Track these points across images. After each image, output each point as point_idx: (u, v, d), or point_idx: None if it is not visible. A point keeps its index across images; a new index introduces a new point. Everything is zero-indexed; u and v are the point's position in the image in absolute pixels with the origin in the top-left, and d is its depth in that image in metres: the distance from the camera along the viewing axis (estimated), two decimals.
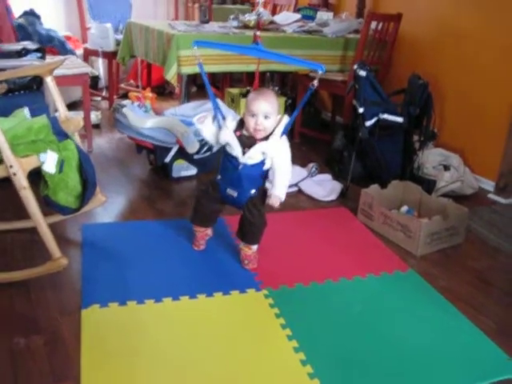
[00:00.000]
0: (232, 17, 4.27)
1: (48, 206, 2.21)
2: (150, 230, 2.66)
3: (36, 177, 2.14)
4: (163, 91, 5.55)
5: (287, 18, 4.36)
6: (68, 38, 4.98)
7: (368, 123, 3.28)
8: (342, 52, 4.18)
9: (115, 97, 5.03)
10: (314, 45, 4.05)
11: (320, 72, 2.02)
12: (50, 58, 3.38)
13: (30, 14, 4.47)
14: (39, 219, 2.09)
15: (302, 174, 3.43)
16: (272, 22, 4.23)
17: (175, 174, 3.34)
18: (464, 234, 2.83)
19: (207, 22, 4.12)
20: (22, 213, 2.23)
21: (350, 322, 2.07)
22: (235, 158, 2.21)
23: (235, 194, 2.28)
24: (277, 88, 4.72)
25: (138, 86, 5.23)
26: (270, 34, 3.92)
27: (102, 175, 3.18)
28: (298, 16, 4.46)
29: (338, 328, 2.03)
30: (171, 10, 5.98)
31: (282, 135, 2.18)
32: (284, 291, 2.23)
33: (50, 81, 2.43)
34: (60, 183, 2.15)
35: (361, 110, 3.27)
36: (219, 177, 2.32)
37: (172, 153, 3.25)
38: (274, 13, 5.15)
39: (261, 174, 2.25)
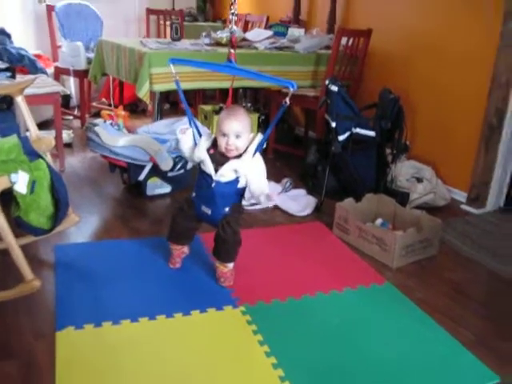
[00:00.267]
0: (204, 34, 4.29)
1: (20, 227, 2.18)
2: (125, 249, 2.64)
3: (7, 197, 2.11)
4: (136, 109, 5.54)
5: (259, 35, 4.40)
6: (38, 56, 4.94)
7: (341, 137, 3.31)
8: (314, 67, 4.22)
9: (87, 115, 5.00)
10: (286, 61, 4.09)
11: (291, 89, 2.03)
12: (20, 77, 3.36)
13: (0, 33, 4.44)
14: (11, 241, 2.06)
15: (276, 189, 3.44)
16: (244, 39, 4.26)
17: (149, 192, 3.33)
18: (438, 246, 2.86)
19: (179, 39, 4.13)
20: None
21: (327, 336, 2.07)
22: (209, 176, 2.21)
23: (209, 212, 2.28)
24: (249, 104, 4.75)
25: (110, 105, 5.21)
26: (242, 51, 3.95)
27: (74, 195, 3.15)
28: (269, 33, 4.50)
29: (315, 343, 2.02)
30: (142, 28, 5.99)
31: (254, 154, 2.18)
32: (261, 307, 2.22)
33: (20, 100, 2.41)
34: (32, 204, 2.12)
35: (333, 125, 3.30)
36: (194, 194, 2.32)
37: (146, 171, 3.24)
38: (245, 29, 5.21)
39: (235, 192, 2.26)
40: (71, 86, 5.30)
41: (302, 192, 3.53)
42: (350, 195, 3.10)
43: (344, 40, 3.94)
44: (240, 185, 2.22)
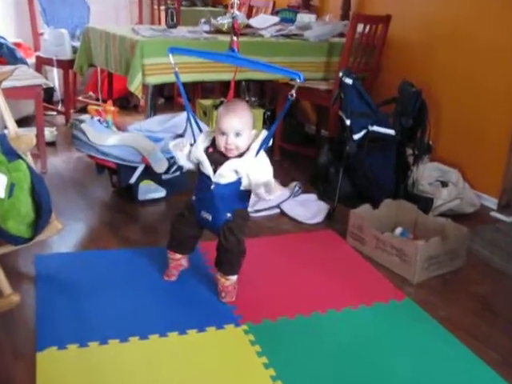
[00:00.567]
0: (203, 20, 4.30)
1: None
2: (114, 261, 2.65)
3: None
4: (126, 104, 5.56)
5: (264, 21, 4.41)
6: (18, 45, 4.98)
7: (356, 136, 3.32)
8: (326, 58, 4.23)
9: (72, 111, 5.02)
10: (295, 50, 4.10)
11: (298, 81, 2.04)
12: None
13: None
14: None
15: (283, 194, 3.44)
16: (248, 26, 4.28)
17: (141, 197, 3.34)
18: (465, 257, 2.86)
19: (175, 26, 4.14)
20: None
21: (340, 359, 2.07)
22: (208, 177, 2.22)
23: (209, 218, 2.29)
24: (254, 99, 4.75)
25: (98, 99, 5.23)
26: (245, 39, 3.96)
27: (57, 199, 3.15)
28: (276, 19, 4.51)
29: (326, 366, 2.03)
30: (135, 14, 6.01)
31: (258, 153, 2.19)
32: (266, 326, 2.22)
33: None
34: (11, 210, 2.13)
35: (348, 122, 3.30)
36: (194, 198, 2.34)
37: (137, 173, 3.25)
38: (249, 15, 5.22)
39: (237, 195, 2.26)
40: (54, 77, 5.32)
41: (312, 197, 3.54)
42: (366, 201, 3.11)
43: (360, 27, 3.94)
44: (243, 187, 2.23)
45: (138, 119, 4.17)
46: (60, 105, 5.23)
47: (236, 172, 2.19)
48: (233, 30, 3.41)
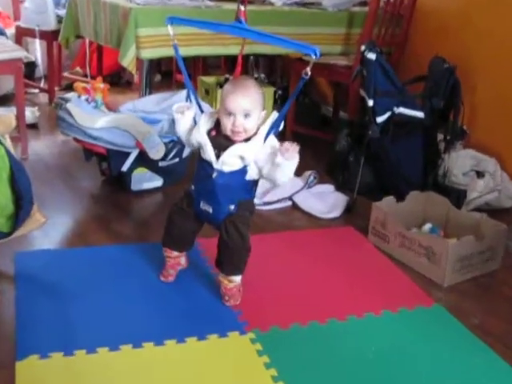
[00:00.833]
0: None
1: None
2: (104, 259, 2.66)
3: None
4: (118, 81, 5.56)
5: None
6: None
7: (379, 119, 3.31)
8: (346, 29, 4.22)
9: (57, 89, 5.02)
10: (310, 20, 4.08)
11: (314, 57, 2.02)
12: None
13: None
14: None
15: (296, 184, 3.44)
16: None
17: (135, 187, 3.34)
18: (501, 258, 2.85)
19: None
20: None
21: (360, 372, 2.07)
22: (209, 164, 2.21)
23: (210, 210, 2.28)
24: (263, 76, 4.75)
25: (86, 75, 5.22)
26: (254, 8, 3.94)
27: (40, 189, 3.16)
28: None
29: (344, 380, 2.03)
30: None
31: (267, 136, 2.18)
32: (276, 334, 2.23)
33: None
34: None
35: (370, 103, 3.29)
36: (193, 187, 2.33)
37: (130, 159, 3.25)
38: None
39: (242, 186, 2.26)
40: (37, 50, 5.31)
41: (329, 188, 3.53)
42: (391, 193, 3.10)
43: None
44: (248, 176, 2.22)
45: (132, 98, 4.17)
46: (43, 82, 5.23)
47: (242, 159, 2.18)
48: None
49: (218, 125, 2.23)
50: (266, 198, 3.26)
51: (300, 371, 2.04)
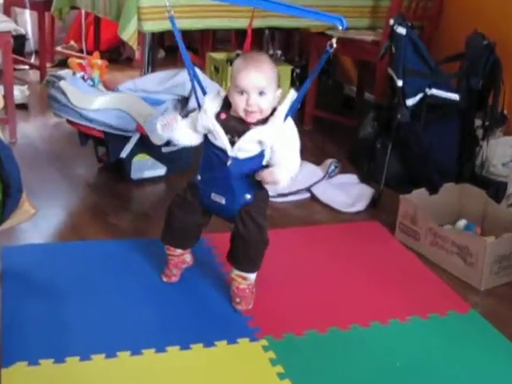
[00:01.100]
0: None
1: None
2: (100, 255, 2.66)
3: None
4: (118, 57, 5.57)
5: None
6: None
7: (410, 101, 3.30)
8: (373, 1, 4.21)
9: (49, 65, 5.04)
10: None
11: (340, 28, 2.02)
12: None
13: None
14: None
15: (316, 174, 3.44)
16: None
17: (135, 175, 3.35)
18: None
19: None
20: None
21: None
22: (222, 151, 2.20)
23: (223, 201, 2.27)
24: (279, 53, 4.73)
25: (81, 50, 5.24)
26: None
27: (30, 176, 3.17)
28: None
29: None
30: None
31: (286, 118, 2.17)
32: (290, 341, 2.23)
33: None
34: None
35: (400, 83, 3.28)
36: (199, 177, 2.32)
37: (130, 145, 3.26)
38: None
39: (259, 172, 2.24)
40: (27, 22, 5.33)
41: (352, 178, 3.53)
42: (422, 184, 3.10)
43: None
44: (266, 161, 2.21)
45: (133, 76, 4.17)
46: (34, 57, 5.25)
47: (260, 143, 2.16)
48: None
49: (226, 106, 2.21)
50: (280, 190, 3.26)
51: (317, 383, 2.04)
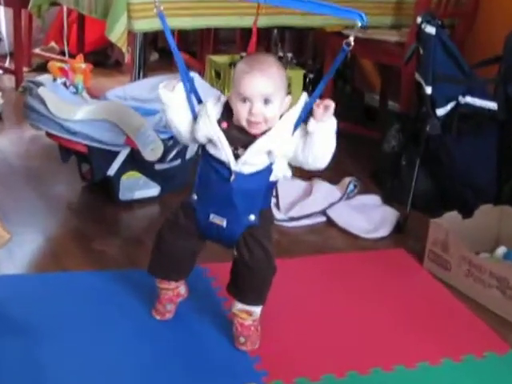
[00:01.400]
0: None
1: None
2: (83, 287, 2.67)
3: None
4: (104, 60, 5.59)
5: None
6: None
7: (440, 111, 3.31)
8: None
9: (26, 69, 5.06)
10: None
11: (360, 24, 2.02)
12: None
13: None
14: None
15: (332, 194, 3.45)
16: None
17: (124, 196, 3.36)
18: None
19: None
20: None
21: None
22: (223, 165, 2.19)
23: (223, 223, 2.26)
24: (290, 55, 4.75)
25: (63, 53, 5.26)
26: None
27: (4, 198, 3.19)
28: None
29: None
30: None
31: (297, 125, 2.17)
32: None
33: None
34: None
35: (428, 91, 3.29)
36: (195, 197, 2.32)
37: (119, 161, 3.26)
38: None
39: (265, 189, 2.25)
40: (1, 21, 5.36)
41: (374, 199, 3.54)
42: (454, 206, 3.10)
43: None
44: (274, 177, 2.21)
45: (121, 82, 4.20)
46: (8, 60, 5.27)
47: (269, 154, 2.15)
48: None
49: (227, 114, 2.20)
50: (292, 212, 3.26)
51: None
